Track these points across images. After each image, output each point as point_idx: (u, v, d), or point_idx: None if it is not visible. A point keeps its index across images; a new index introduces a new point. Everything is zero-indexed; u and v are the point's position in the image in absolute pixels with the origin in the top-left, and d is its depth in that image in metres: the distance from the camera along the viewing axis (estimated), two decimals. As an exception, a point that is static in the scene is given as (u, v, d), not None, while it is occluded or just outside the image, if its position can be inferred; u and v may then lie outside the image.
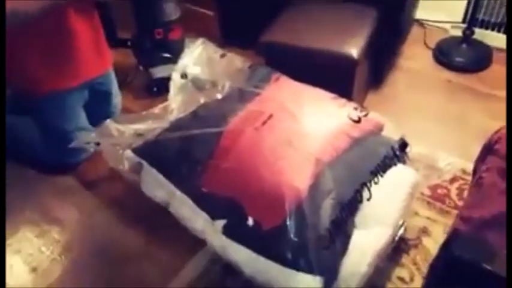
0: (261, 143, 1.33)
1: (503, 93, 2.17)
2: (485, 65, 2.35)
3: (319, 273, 1.15)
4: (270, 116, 1.37)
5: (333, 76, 1.76)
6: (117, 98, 2.05)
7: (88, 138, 1.67)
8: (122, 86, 2.12)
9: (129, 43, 2.21)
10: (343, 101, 1.50)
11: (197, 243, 1.48)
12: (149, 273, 1.52)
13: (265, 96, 1.52)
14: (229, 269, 1.46)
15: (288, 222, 1.19)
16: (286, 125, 1.37)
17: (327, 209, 1.23)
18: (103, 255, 1.59)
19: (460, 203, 1.69)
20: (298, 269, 1.16)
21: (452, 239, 0.82)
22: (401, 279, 1.45)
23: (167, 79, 1.80)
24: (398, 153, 1.42)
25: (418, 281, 1.43)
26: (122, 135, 1.64)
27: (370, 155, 1.38)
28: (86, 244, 1.64)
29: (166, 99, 1.76)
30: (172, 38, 2.08)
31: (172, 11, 2.06)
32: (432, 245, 1.53)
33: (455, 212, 1.66)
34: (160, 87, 2.04)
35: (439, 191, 1.73)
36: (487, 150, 1.02)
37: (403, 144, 1.44)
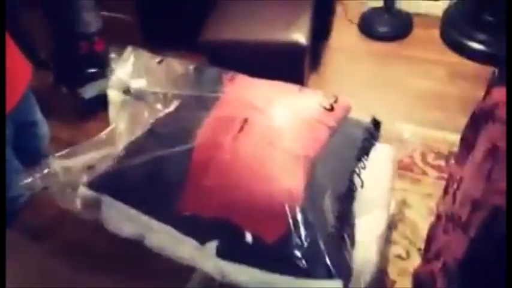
0: (241, 151, 1.23)
1: (428, 54, 2.30)
2: (408, 31, 2.45)
3: (337, 276, 1.09)
4: (245, 120, 1.27)
5: (283, 65, 1.70)
6: (44, 128, 1.79)
7: (31, 185, 1.42)
8: (44, 112, 1.86)
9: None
10: (310, 90, 1.44)
11: (185, 270, 1.35)
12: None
13: (226, 99, 1.41)
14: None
15: (293, 229, 1.12)
16: (263, 126, 1.27)
17: (328, 205, 1.17)
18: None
19: (427, 168, 1.74)
20: (316, 277, 1.09)
21: (494, 216, 0.80)
22: (399, 256, 1.46)
23: (98, 97, 1.61)
24: (374, 133, 1.40)
25: (415, 256, 1.44)
26: (69, 172, 1.43)
27: (350, 141, 1.34)
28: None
29: (100, 121, 1.58)
30: (98, 50, 1.85)
31: (93, 21, 1.82)
32: (415, 216, 1.56)
33: (426, 178, 1.71)
34: (94, 108, 1.82)
35: (405, 160, 1.76)
36: (480, 118, 1.02)
37: (376, 123, 1.43)
